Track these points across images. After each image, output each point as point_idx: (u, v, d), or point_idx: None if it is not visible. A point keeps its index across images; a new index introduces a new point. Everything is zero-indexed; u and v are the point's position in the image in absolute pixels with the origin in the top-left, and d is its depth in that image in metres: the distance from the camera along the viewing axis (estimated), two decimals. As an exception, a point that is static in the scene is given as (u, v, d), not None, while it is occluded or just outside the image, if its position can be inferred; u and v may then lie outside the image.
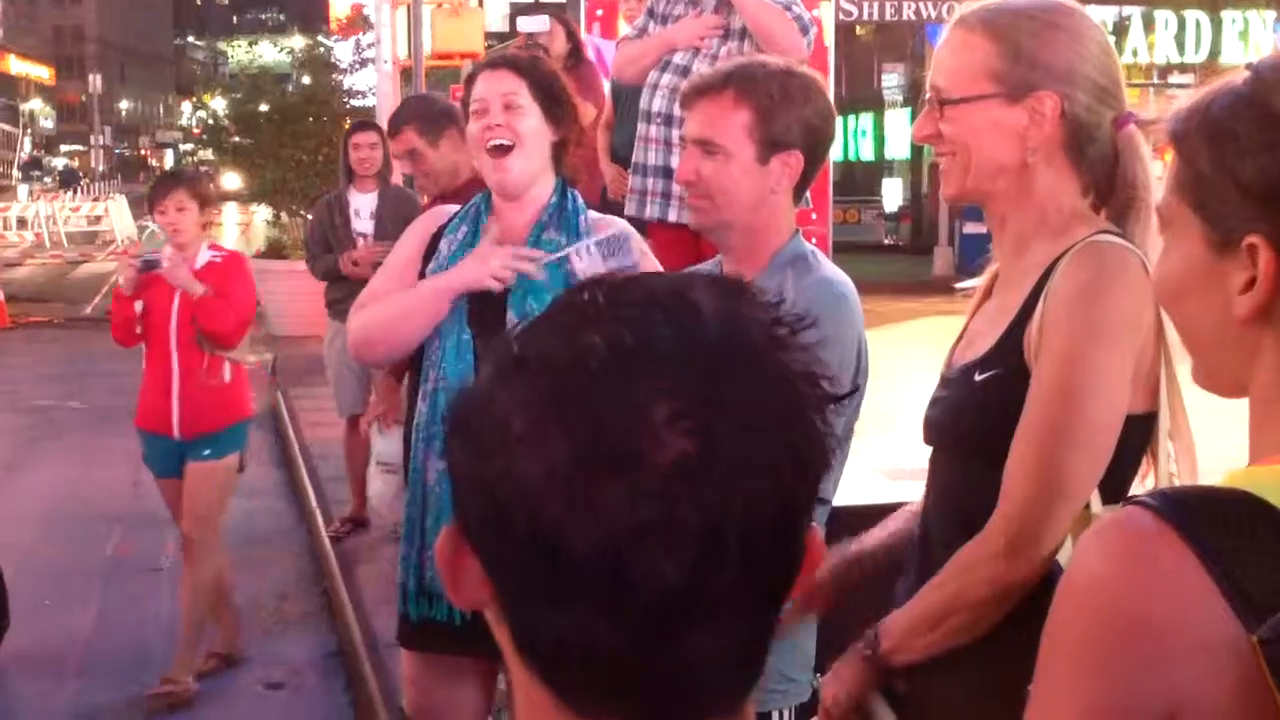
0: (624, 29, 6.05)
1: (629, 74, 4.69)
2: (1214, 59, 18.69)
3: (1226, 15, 19.24)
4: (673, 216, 4.34)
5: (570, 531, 0.71)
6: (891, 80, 25.65)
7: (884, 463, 4.98)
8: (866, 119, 26.01)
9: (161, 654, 5.04)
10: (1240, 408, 1.13)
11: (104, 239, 27.30)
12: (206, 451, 4.83)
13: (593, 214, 2.91)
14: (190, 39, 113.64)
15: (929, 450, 1.96)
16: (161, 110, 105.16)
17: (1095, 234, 1.78)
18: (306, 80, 16.91)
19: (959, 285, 2.49)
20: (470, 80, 2.96)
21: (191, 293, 4.72)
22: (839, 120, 3.21)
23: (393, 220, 5.85)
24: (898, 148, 24.83)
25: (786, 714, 2.40)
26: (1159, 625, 0.96)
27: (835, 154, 15.27)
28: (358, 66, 15.64)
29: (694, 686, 0.76)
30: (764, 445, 0.73)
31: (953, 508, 1.88)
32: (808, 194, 2.54)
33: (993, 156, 1.83)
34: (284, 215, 14.67)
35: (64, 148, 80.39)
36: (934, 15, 16.35)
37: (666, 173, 4.32)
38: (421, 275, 2.86)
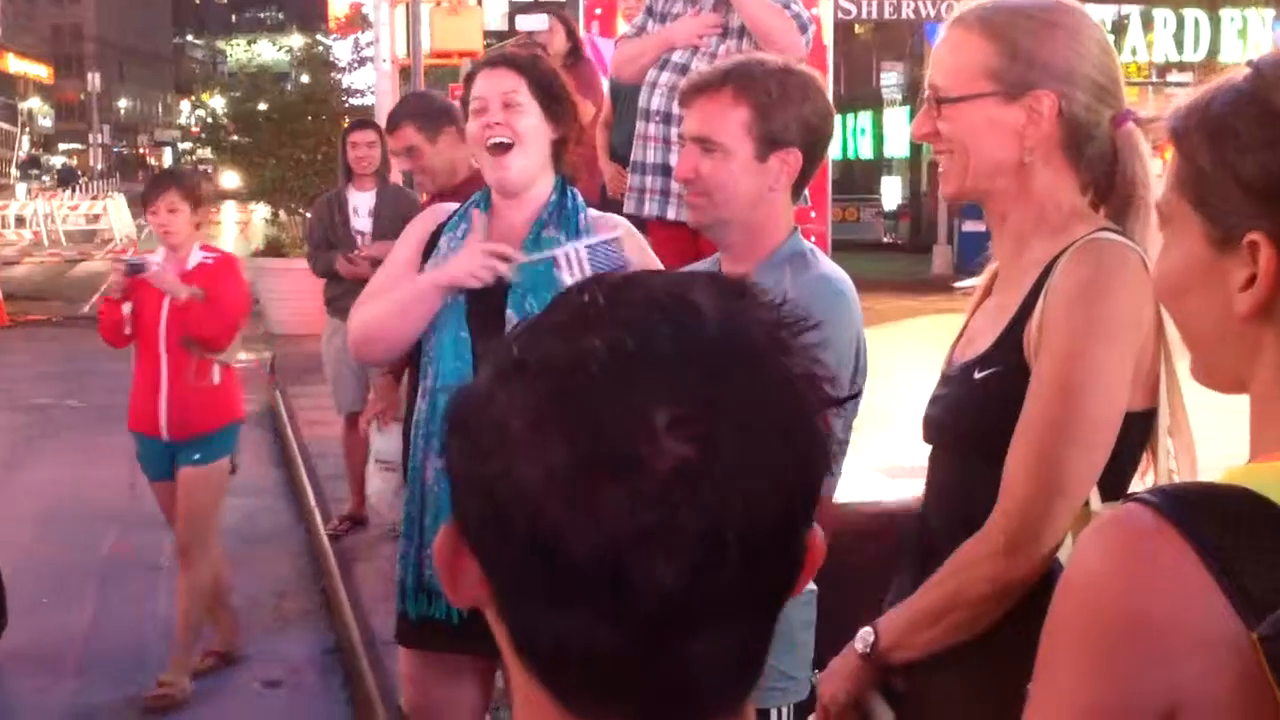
0: (622, 27, 6.05)
1: (628, 72, 4.68)
2: (1213, 57, 18.72)
3: (1225, 13, 19.27)
4: (671, 214, 4.34)
5: (569, 534, 0.71)
6: (890, 79, 25.69)
7: (883, 461, 4.98)
8: (865, 117, 26.04)
9: (159, 653, 5.03)
10: (1239, 405, 1.12)
11: (102, 237, 27.29)
12: (197, 456, 4.80)
13: (592, 212, 2.91)
14: (189, 38, 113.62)
15: (928, 448, 1.96)
16: (160, 109, 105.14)
17: (1095, 231, 1.78)
18: (305, 79, 16.94)
19: (958, 284, 2.49)
20: (470, 79, 2.96)
21: (177, 297, 4.68)
22: (838, 118, 3.20)
23: (391, 218, 5.85)
24: (897, 146, 24.86)
25: (785, 711, 2.40)
26: (1159, 623, 0.96)
27: (834, 152, 15.27)
28: (356, 65, 15.66)
29: (694, 688, 0.76)
30: (765, 449, 0.73)
31: (952, 505, 1.88)
32: (806, 192, 2.54)
33: (990, 155, 1.83)
34: (282, 214, 14.68)
35: (62, 146, 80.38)
36: (933, 14, 16.35)
37: (665, 170, 4.32)
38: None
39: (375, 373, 5.17)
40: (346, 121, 10.22)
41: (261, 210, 16.73)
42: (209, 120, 19.92)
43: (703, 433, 0.71)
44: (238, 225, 25.82)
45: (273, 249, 13.71)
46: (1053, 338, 1.73)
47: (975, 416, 1.83)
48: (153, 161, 71.73)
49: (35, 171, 61.27)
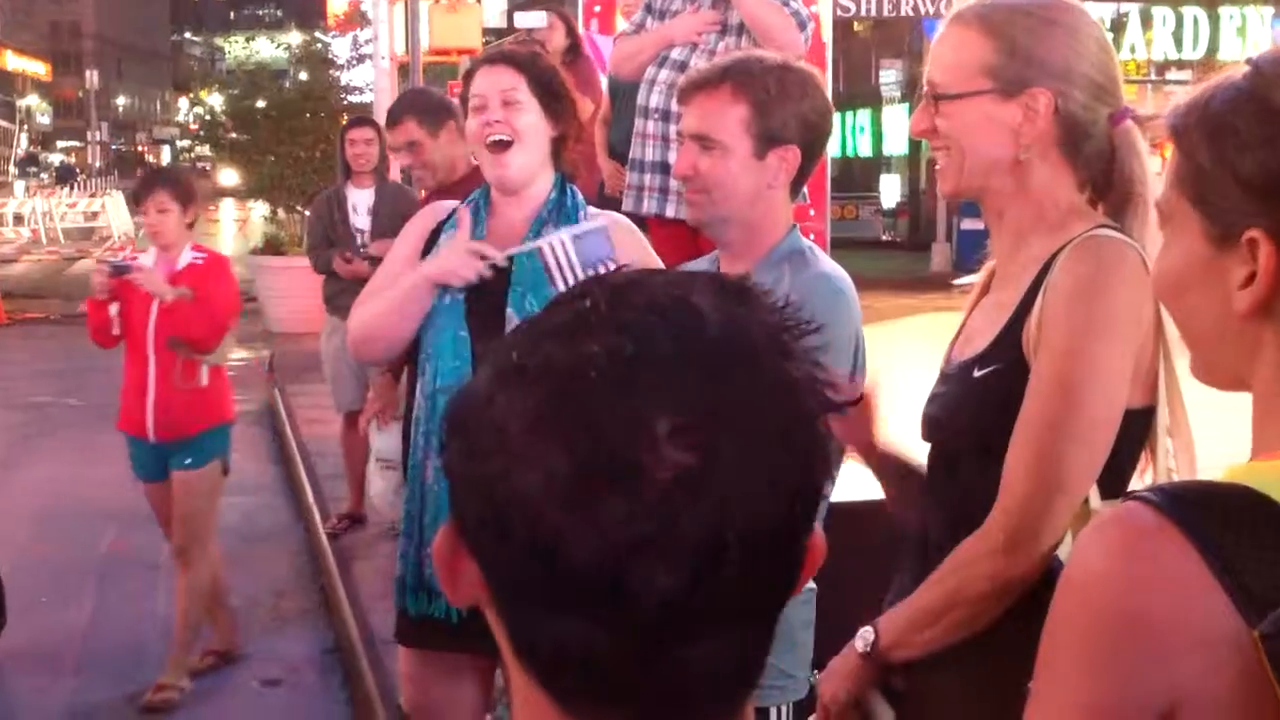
0: (621, 24, 6.04)
1: (626, 70, 4.68)
2: (1212, 55, 18.73)
3: (1224, 11, 19.28)
4: (670, 212, 4.33)
5: (569, 540, 0.71)
6: (889, 76, 25.68)
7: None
8: (864, 115, 26.04)
9: (157, 651, 5.03)
10: (1239, 403, 1.12)
11: (101, 235, 27.27)
12: (188, 460, 4.75)
13: (592, 209, 2.91)
14: (187, 35, 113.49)
15: (927, 446, 1.95)
16: (159, 106, 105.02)
17: (1094, 228, 1.78)
18: (304, 76, 16.93)
19: (957, 281, 2.49)
20: (469, 76, 2.96)
21: (162, 298, 4.63)
22: (837, 116, 3.20)
23: (390, 216, 5.84)
24: (896, 144, 24.86)
25: (785, 710, 2.39)
26: (1160, 621, 0.96)
27: (833, 150, 15.28)
28: (355, 62, 15.66)
29: (693, 693, 0.75)
30: (765, 455, 0.72)
31: (951, 504, 1.88)
32: (805, 190, 2.54)
33: (986, 152, 1.83)
34: (281, 211, 14.68)
35: (60, 144, 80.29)
36: (931, 11, 16.37)
37: (664, 168, 4.31)
38: (421, 272, 2.86)
39: (374, 371, 5.16)
40: (345, 119, 10.23)
41: (260, 208, 16.72)
42: (207, 118, 19.93)
43: (703, 440, 0.71)
44: (236, 223, 25.82)
45: (271, 247, 13.69)
46: (1052, 335, 1.72)
47: (974, 414, 1.82)
48: (151, 159, 71.54)
49: (33, 169, 61.17)
